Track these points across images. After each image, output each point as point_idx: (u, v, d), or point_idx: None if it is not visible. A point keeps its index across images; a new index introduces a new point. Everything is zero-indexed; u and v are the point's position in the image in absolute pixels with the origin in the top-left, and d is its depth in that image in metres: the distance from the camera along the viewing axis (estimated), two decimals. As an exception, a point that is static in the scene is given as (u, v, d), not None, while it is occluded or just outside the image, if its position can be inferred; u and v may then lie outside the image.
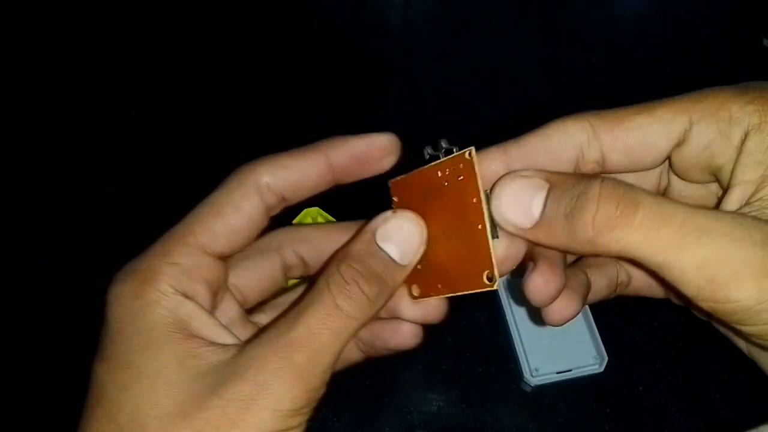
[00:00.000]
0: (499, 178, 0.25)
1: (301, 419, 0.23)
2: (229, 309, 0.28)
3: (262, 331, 0.24)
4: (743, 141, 0.24)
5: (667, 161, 0.27)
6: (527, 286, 0.27)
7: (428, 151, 0.26)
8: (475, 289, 0.25)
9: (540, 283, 0.26)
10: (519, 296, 0.51)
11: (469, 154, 0.24)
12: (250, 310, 0.30)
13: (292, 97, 0.63)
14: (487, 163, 0.26)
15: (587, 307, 0.49)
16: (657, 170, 0.28)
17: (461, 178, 0.25)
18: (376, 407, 0.47)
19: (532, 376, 0.47)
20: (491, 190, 0.25)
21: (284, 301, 0.30)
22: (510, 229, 0.25)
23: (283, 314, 0.24)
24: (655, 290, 0.32)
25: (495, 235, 0.24)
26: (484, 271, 0.24)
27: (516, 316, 0.50)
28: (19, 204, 0.56)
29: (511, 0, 0.71)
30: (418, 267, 0.27)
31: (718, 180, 0.25)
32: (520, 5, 0.70)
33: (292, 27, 0.67)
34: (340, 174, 0.27)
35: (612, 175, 0.27)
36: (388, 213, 0.27)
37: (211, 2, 0.69)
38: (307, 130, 0.61)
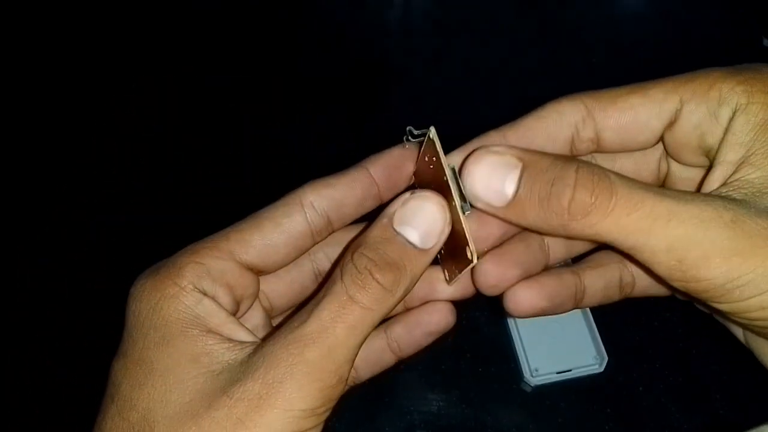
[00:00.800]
0: (470, 153, 0.25)
1: (316, 420, 0.22)
2: (254, 316, 0.28)
3: (278, 327, 0.24)
4: (730, 121, 0.24)
5: (662, 144, 0.27)
6: (475, 271, 0.27)
7: (405, 140, 0.27)
8: (465, 267, 0.25)
9: (483, 270, 0.27)
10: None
11: (431, 135, 0.25)
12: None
13: (292, 97, 0.63)
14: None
15: (587, 307, 0.49)
16: (656, 155, 0.28)
17: (434, 158, 0.25)
18: (376, 407, 0.47)
19: (532, 376, 0.47)
20: (461, 166, 0.25)
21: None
22: (481, 206, 0.25)
23: (300, 308, 0.24)
24: (662, 289, 0.32)
25: (466, 209, 0.25)
26: (465, 248, 0.24)
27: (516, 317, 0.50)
28: (19, 204, 0.56)
29: (511, 0, 0.71)
30: (441, 251, 0.26)
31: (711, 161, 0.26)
32: (520, 5, 0.70)
33: (292, 27, 0.67)
34: (384, 187, 0.27)
35: (607, 156, 0.28)
36: (407, 194, 0.25)
37: (210, 2, 0.69)
38: (307, 130, 0.61)
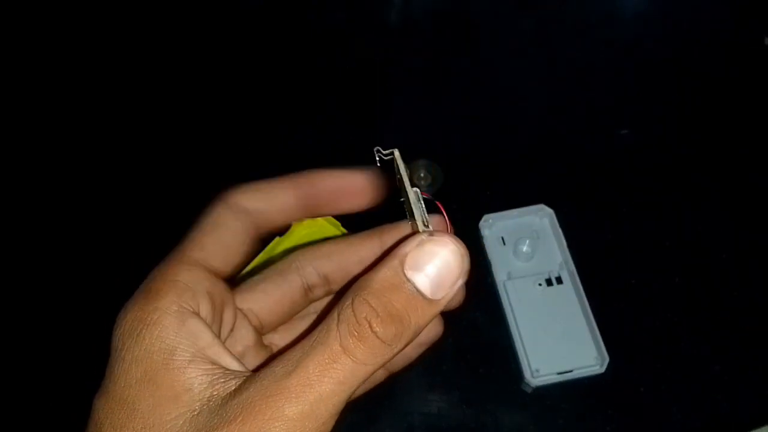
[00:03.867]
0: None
1: None
2: (244, 337, 0.27)
3: (268, 362, 0.22)
4: None
5: None
6: None
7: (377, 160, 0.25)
8: None
9: None
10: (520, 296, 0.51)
11: (395, 156, 0.24)
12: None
13: (292, 97, 0.63)
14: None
15: (588, 307, 0.49)
16: None
17: (398, 180, 0.25)
18: (376, 409, 0.47)
19: (533, 376, 0.47)
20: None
21: (306, 313, 0.29)
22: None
23: (292, 346, 0.22)
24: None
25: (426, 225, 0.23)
26: None
27: (516, 317, 0.50)
28: (19, 204, 0.56)
29: (511, 0, 0.70)
30: None
31: None
32: (520, 5, 0.70)
33: (291, 27, 0.67)
34: (313, 207, 0.27)
35: None
36: (424, 236, 0.22)
37: (210, 2, 0.69)
38: (307, 130, 0.61)
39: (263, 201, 0.26)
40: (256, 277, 0.27)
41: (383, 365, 0.21)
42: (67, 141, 0.60)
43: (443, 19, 0.69)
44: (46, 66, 0.64)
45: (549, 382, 0.48)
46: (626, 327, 0.50)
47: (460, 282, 0.22)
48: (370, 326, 0.21)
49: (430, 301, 0.22)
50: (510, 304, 0.50)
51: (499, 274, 0.52)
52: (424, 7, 0.70)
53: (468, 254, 0.22)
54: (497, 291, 0.51)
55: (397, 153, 0.24)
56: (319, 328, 0.21)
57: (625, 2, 0.71)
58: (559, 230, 0.53)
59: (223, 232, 0.25)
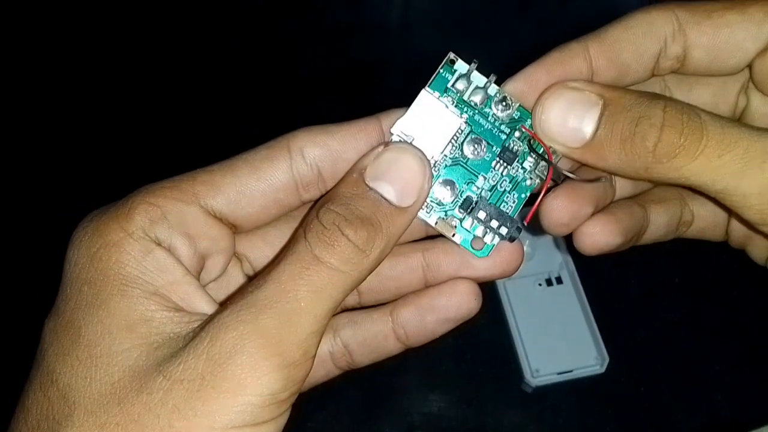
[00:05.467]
0: (546, 89, 0.23)
1: (277, 410, 0.18)
2: (233, 282, 0.24)
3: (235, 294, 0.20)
4: None
5: (748, 74, 0.24)
6: (542, 208, 0.24)
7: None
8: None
9: (555, 206, 0.23)
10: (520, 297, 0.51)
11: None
12: None
13: (291, 97, 0.63)
14: (568, 61, 0.24)
15: (588, 307, 0.49)
16: (737, 86, 0.26)
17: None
18: (377, 409, 0.47)
19: (533, 376, 0.47)
20: (537, 101, 0.23)
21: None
22: (557, 147, 0.23)
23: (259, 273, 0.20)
24: (718, 232, 0.28)
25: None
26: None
27: (517, 317, 0.50)
28: (19, 203, 0.56)
29: (511, 0, 0.70)
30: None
31: None
32: (520, 5, 0.70)
33: (291, 27, 0.67)
34: None
35: (683, 85, 0.25)
36: (380, 147, 0.22)
37: (209, 2, 0.69)
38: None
39: (328, 141, 0.23)
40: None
41: (362, 277, 0.20)
42: (64, 139, 0.60)
43: (443, 19, 0.69)
44: (21, 66, 0.64)
45: (549, 382, 0.48)
46: (626, 327, 0.50)
47: (426, 187, 0.21)
48: (340, 230, 0.19)
49: (398, 207, 0.21)
50: (510, 304, 0.50)
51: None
52: (424, 7, 0.70)
53: (427, 158, 0.22)
54: (497, 291, 0.51)
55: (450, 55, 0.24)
56: (285, 249, 0.20)
57: (624, 2, 0.71)
58: (559, 230, 0.53)
59: (248, 176, 0.22)
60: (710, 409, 0.48)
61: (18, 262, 0.53)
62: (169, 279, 0.20)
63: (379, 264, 0.21)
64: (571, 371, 0.48)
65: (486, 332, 0.51)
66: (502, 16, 0.69)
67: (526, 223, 0.24)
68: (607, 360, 0.47)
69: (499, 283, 0.51)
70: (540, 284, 0.51)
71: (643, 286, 0.52)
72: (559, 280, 0.51)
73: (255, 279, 0.19)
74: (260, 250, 0.24)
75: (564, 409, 0.48)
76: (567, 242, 0.52)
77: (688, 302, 0.52)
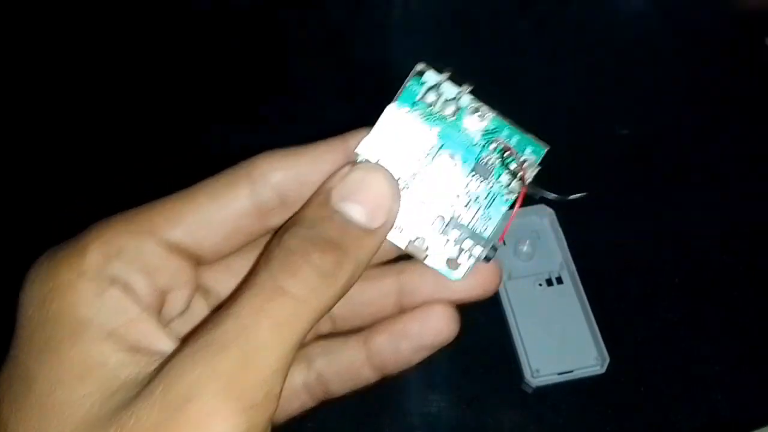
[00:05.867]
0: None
1: None
2: (198, 319, 0.22)
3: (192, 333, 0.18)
4: None
5: None
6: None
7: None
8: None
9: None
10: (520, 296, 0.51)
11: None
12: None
13: (291, 97, 0.63)
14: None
15: (588, 307, 0.49)
16: None
17: None
18: (376, 409, 0.47)
19: (533, 377, 0.47)
20: None
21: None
22: None
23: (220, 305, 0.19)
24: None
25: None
26: None
27: (517, 317, 0.50)
28: (18, 203, 0.56)
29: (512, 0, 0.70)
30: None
31: None
32: (520, 5, 0.70)
33: (291, 26, 0.67)
34: None
35: None
36: (346, 167, 0.21)
37: (208, 1, 0.68)
38: (306, 130, 0.61)
39: (291, 163, 0.21)
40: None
41: (329, 305, 0.19)
42: (63, 140, 0.60)
43: (443, 19, 0.69)
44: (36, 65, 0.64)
45: (549, 382, 0.47)
46: (627, 327, 0.50)
47: (395, 207, 0.20)
48: (304, 256, 0.18)
49: (367, 230, 0.20)
50: (510, 304, 0.50)
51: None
52: (424, 6, 0.70)
53: (395, 178, 0.21)
54: (497, 291, 0.51)
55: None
56: (248, 275, 0.19)
57: (624, 2, 0.71)
58: (560, 230, 0.53)
59: (208, 205, 0.21)
60: (711, 410, 0.48)
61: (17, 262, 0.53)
62: (125, 319, 0.18)
63: (347, 290, 0.19)
64: (571, 371, 0.48)
65: (486, 332, 0.51)
66: (503, 16, 0.69)
67: (500, 242, 0.23)
68: (608, 360, 0.47)
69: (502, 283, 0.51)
70: (540, 284, 0.51)
71: (644, 287, 0.52)
72: (559, 280, 0.51)
73: (214, 314, 0.18)
74: (226, 282, 0.23)
75: (564, 409, 0.48)
76: (568, 242, 0.52)
77: (689, 302, 0.52)
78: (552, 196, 0.23)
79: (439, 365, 0.49)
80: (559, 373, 0.47)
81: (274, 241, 0.19)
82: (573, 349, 0.48)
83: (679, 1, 0.70)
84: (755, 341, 0.50)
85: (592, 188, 0.60)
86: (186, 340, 0.18)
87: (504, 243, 0.23)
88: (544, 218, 0.54)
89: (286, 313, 0.17)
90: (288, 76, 0.64)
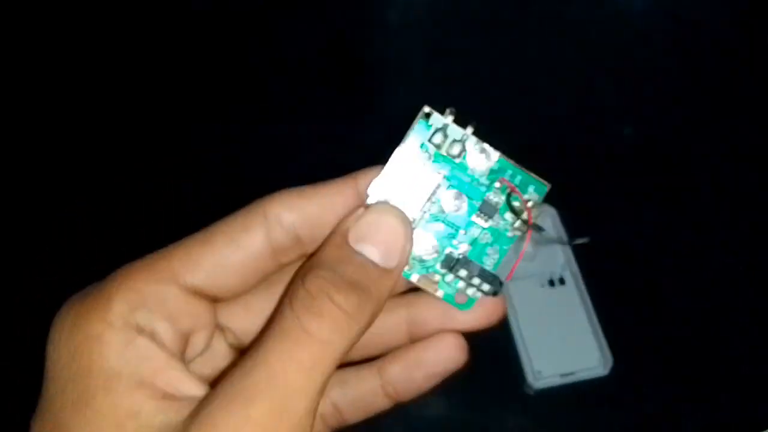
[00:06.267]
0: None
1: None
2: (217, 357, 0.23)
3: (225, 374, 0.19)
4: None
5: None
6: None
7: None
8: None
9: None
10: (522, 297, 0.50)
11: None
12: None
13: (291, 97, 0.62)
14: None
15: (591, 308, 0.49)
16: None
17: None
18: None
19: (535, 378, 0.47)
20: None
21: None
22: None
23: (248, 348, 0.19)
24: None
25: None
26: None
27: (519, 318, 0.49)
28: (18, 203, 0.56)
29: (512, -1, 0.70)
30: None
31: None
32: (521, 4, 0.69)
33: (291, 26, 0.67)
34: None
35: None
36: (360, 209, 0.22)
37: (209, 2, 0.68)
38: (306, 130, 0.60)
39: (304, 205, 0.22)
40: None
41: (353, 344, 0.19)
42: (62, 140, 0.59)
43: (443, 16, 0.68)
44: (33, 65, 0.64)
45: (551, 384, 0.47)
46: (630, 328, 0.50)
47: (408, 247, 0.21)
48: (329, 298, 0.19)
49: (384, 269, 0.20)
50: (512, 306, 0.50)
51: (501, 276, 0.51)
52: (424, 6, 0.70)
53: (408, 218, 0.22)
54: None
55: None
56: (273, 317, 0.19)
57: (625, 1, 0.71)
58: (562, 230, 0.52)
59: (225, 248, 0.21)
60: (715, 411, 0.47)
61: (17, 262, 0.53)
62: (154, 367, 0.19)
63: (369, 327, 0.20)
64: (573, 373, 0.47)
65: (487, 334, 0.50)
66: (503, 15, 0.68)
67: (507, 280, 0.25)
68: (611, 362, 0.47)
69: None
70: (542, 285, 0.51)
71: (647, 288, 0.52)
72: (561, 281, 0.51)
73: (242, 360, 0.19)
74: (242, 319, 0.24)
75: (566, 411, 0.47)
76: (570, 243, 0.52)
77: (691, 303, 0.52)
78: (555, 238, 0.25)
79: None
80: (562, 375, 0.47)
81: (296, 283, 0.19)
82: (575, 351, 0.48)
83: (680, 1, 0.70)
84: (759, 343, 0.50)
85: (596, 188, 0.60)
86: (215, 385, 0.18)
87: (507, 281, 0.24)
88: (546, 218, 0.54)
89: (314, 356, 0.18)
90: (288, 76, 0.64)
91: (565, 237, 0.25)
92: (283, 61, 0.65)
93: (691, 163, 0.58)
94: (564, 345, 0.48)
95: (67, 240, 0.54)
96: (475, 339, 0.50)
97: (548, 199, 0.57)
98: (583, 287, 0.50)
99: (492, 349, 0.50)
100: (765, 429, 0.44)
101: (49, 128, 0.60)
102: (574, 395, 0.47)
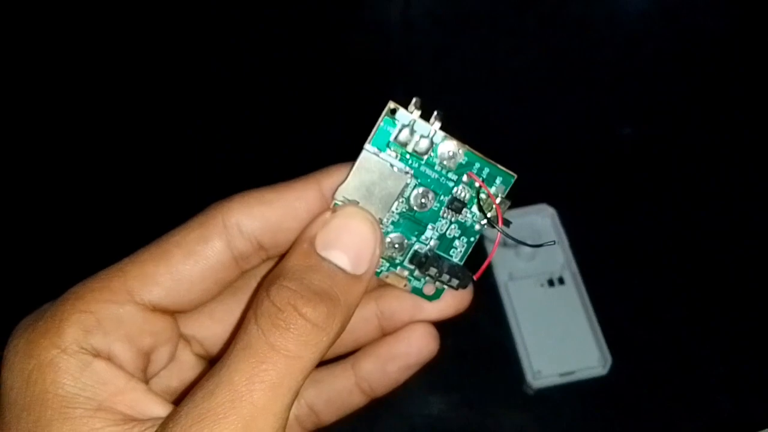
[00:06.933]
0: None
1: None
2: (183, 369, 0.22)
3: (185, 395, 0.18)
4: None
5: None
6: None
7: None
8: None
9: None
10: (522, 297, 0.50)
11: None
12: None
13: (291, 97, 0.62)
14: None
15: (590, 308, 0.49)
16: None
17: None
18: (376, 411, 0.47)
19: (535, 378, 0.47)
20: None
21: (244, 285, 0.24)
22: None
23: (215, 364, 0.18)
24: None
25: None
26: None
27: (518, 318, 0.49)
28: (18, 203, 0.56)
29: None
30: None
31: None
32: (521, 3, 0.69)
33: (290, 26, 0.67)
34: None
35: None
36: (327, 213, 0.21)
37: (208, 1, 0.68)
38: (306, 131, 0.60)
39: (265, 212, 0.21)
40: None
41: (322, 355, 0.18)
42: (61, 140, 0.59)
43: (443, 16, 0.68)
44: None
45: (551, 383, 0.47)
46: (629, 328, 0.50)
47: (379, 251, 0.21)
48: (296, 310, 0.18)
49: (353, 276, 0.20)
50: (512, 305, 0.50)
51: (501, 275, 0.52)
52: (424, 5, 0.70)
53: (377, 221, 0.21)
54: (499, 292, 0.51)
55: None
56: (239, 333, 0.18)
57: (626, 1, 0.71)
58: (562, 230, 0.52)
59: (183, 261, 0.20)
60: (714, 411, 0.47)
61: (16, 261, 0.53)
62: (112, 390, 0.18)
63: (339, 336, 0.19)
64: (573, 373, 0.47)
65: (487, 333, 0.50)
66: (503, 14, 0.68)
67: (475, 279, 0.24)
68: (610, 361, 0.47)
69: (501, 284, 0.51)
70: (542, 285, 0.51)
71: (646, 287, 0.52)
72: (561, 281, 0.51)
73: (206, 378, 0.18)
74: (207, 328, 0.23)
75: (566, 411, 0.47)
76: (570, 242, 0.52)
77: (691, 303, 0.52)
78: (519, 240, 0.25)
79: (440, 367, 0.48)
80: (561, 375, 0.47)
81: (260, 294, 0.18)
82: (575, 351, 0.48)
83: (680, 1, 0.70)
84: (758, 342, 0.50)
85: (595, 187, 0.60)
86: (180, 403, 0.18)
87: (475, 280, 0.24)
88: (546, 218, 0.54)
89: (280, 373, 0.17)
90: (288, 75, 0.64)
91: (526, 244, 0.25)
92: (283, 62, 0.65)
93: (691, 163, 0.58)
94: (563, 345, 0.48)
95: (67, 240, 0.54)
96: (475, 339, 0.50)
97: (548, 199, 0.57)
98: (582, 287, 0.50)
99: (492, 349, 0.50)
100: (763, 429, 0.44)
101: (48, 128, 0.60)
102: (573, 394, 0.47)
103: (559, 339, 0.48)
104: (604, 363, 0.47)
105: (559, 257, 0.52)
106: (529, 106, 0.62)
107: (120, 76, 0.63)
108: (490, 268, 0.52)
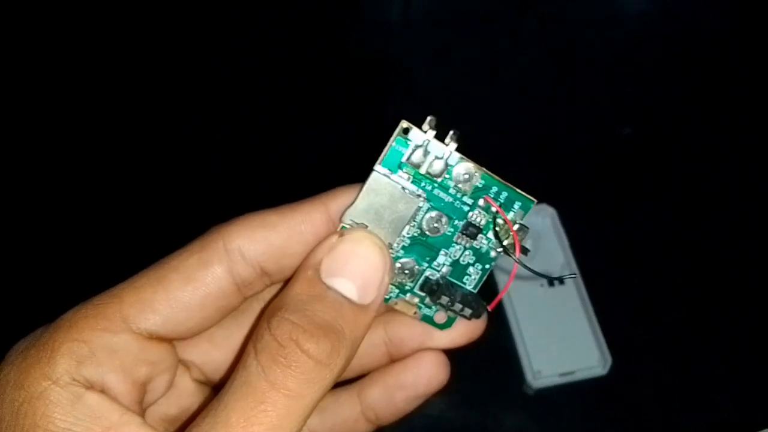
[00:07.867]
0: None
1: None
2: (181, 396, 0.21)
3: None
4: None
5: None
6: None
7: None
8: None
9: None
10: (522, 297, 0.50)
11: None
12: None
13: (291, 97, 0.62)
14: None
15: (590, 308, 0.49)
16: None
17: None
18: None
19: (535, 378, 0.47)
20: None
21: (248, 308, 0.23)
22: None
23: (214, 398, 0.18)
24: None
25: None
26: None
27: (519, 318, 0.49)
28: (18, 204, 0.56)
29: (512, -1, 0.70)
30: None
31: None
32: (521, 3, 0.69)
33: (290, 26, 0.67)
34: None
35: None
36: (333, 237, 0.20)
37: (208, 1, 0.68)
38: (306, 131, 0.60)
39: (268, 236, 0.20)
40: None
41: (325, 392, 0.17)
42: (61, 140, 0.59)
43: (443, 16, 0.68)
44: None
45: (551, 383, 0.47)
46: (629, 328, 0.50)
47: (387, 279, 0.19)
48: (298, 345, 0.17)
49: (360, 306, 0.18)
50: (512, 306, 0.50)
51: (501, 275, 0.51)
52: (424, 5, 0.70)
53: (387, 247, 0.20)
54: (498, 292, 0.51)
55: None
56: (237, 366, 0.17)
57: (626, 1, 0.71)
58: (562, 230, 0.52)
59: (181, 288, 0.19)
60: (714, 411, 0.47)
61: (16, 261, 0.53)
62: (106, 425, 0.17)
63: (344, 371, 0.18)
64: (573, 373, 0.47)
65: (487, 333, 0.50)
66: (503, 14, 0.68)
67: (490, 310, 0.23)
68: (610, 361, 0.47)
69: (501, 284, 0.51)
70: (542, 285, 0.51)
71: (646, 287, 0.52)
72: (561, 281, 0.51)
73: (202, 416, 0.17)
74: (207, 354, 0.22)
75: (566, 411, 0.47)
76: (570, 242, 0.52)
77: (691, 303, 0.52)
78: (538, 273, 0.23)
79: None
80: (561, 375, 0.47)
81: (261, 326, 0.18)
82: (575, 351, 0.48)
83: (680, 1, 0.70)
84: (758, 342, 0.50)
85: (595, 187, 0.60)
86: None
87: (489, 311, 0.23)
88: (546, 218, 0.54)
89: (279, 414, 0.16)
90: (288, 75, 0.64)
91: (546, 276, 0.23)
92: (283, 62, 0.64)
93: (691, 163, 0.58)
94: (563, 345, 0.48)
95: (67, 240, 0.54)
96: (476, 339, 0.50)
97: (548, 199, 0.57)
98: (582, 287, 0.50)
99: (492, 349, 0.50)
100: (763, 429, 0.44)
101: (48, 128, 0.60)
102: (573, 395, 0.47)
103: (559, 339, 0.48)
104: (604, 363, 0.47)
105: (559, 257, 0.52)
106: (529, 106, 0.62)
107: (120, 76, 0.63)
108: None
